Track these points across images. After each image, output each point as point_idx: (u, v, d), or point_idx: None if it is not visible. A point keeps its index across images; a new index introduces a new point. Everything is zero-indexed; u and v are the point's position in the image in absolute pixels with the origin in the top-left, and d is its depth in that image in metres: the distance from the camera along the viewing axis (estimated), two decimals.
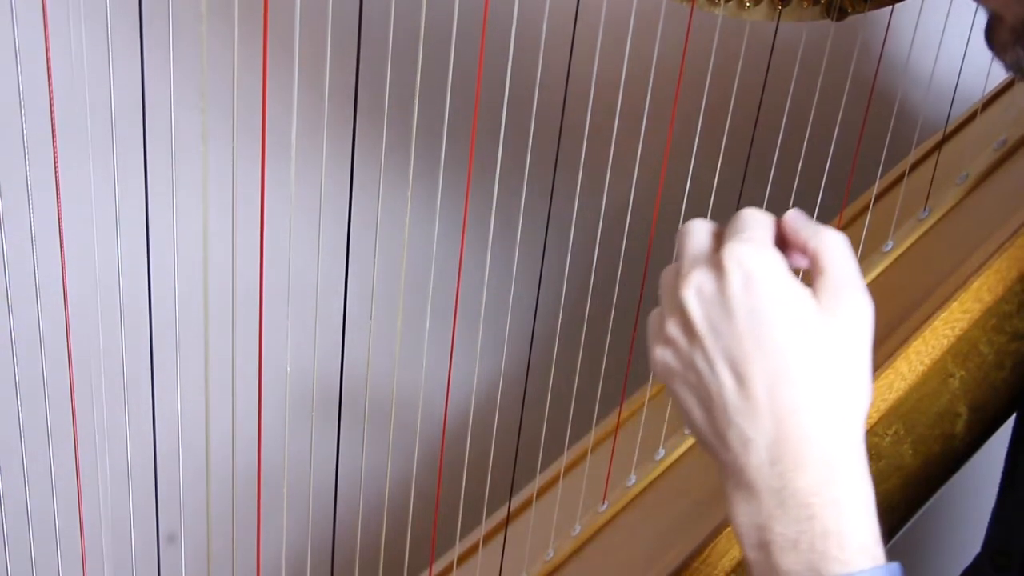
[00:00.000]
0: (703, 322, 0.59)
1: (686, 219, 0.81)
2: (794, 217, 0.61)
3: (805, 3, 0.71)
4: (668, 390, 0.63)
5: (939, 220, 0.90)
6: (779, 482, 0.57)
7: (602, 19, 0.74)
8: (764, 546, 0.58)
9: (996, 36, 0.77)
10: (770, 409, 0.57)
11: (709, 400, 0.59)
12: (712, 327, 0.59)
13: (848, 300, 0.58)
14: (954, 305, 0.78)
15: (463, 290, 0.82)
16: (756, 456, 0.58)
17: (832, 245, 0.59)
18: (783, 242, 0.61)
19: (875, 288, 0.65)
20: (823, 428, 0.57)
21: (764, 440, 0.57)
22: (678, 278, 0.61)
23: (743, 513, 0.59)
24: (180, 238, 0.71)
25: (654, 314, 0.64)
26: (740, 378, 0.58)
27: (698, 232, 0.62)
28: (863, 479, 0.58)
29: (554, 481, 0.92)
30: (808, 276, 0.60)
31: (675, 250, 0.63)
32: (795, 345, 0.57)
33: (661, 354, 0.62)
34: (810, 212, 0.82)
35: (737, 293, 0.58)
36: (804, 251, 0.60)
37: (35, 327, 0.72)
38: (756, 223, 0.60)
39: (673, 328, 0.61)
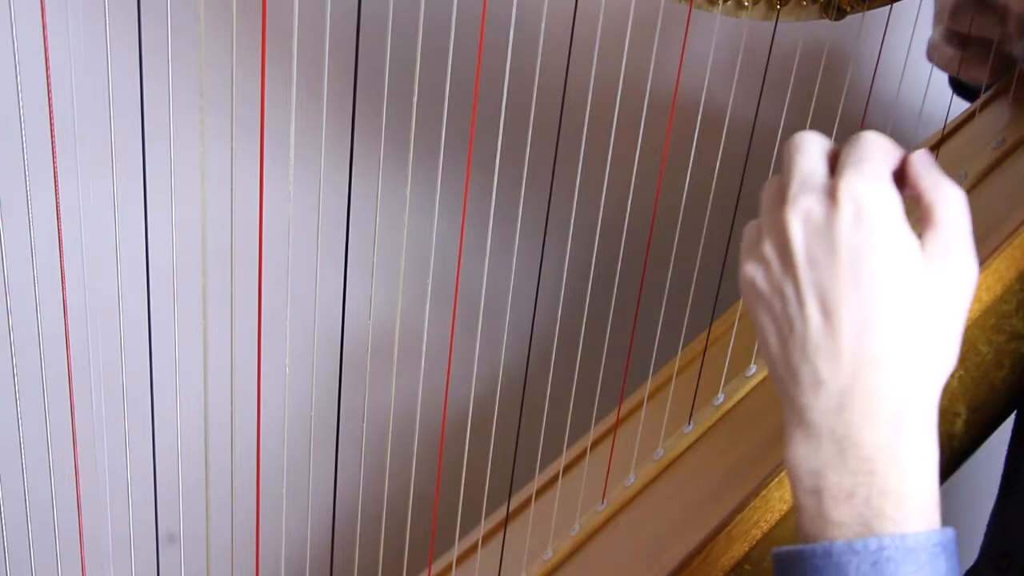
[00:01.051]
0: (802, 251, 0.56)
1: (685, 216, 0.81)
2: (920, 160, 0.58)
3: (804, 2, 0.71)
4: (749, 310, 0.60)
5: None
6: (843, 431, 0.55)
7: (601, 15, 0.74)
8: (816, 492, 0.56)
9: (1005, 29, 0.77)
10: (852, 355, 0.55)
11: (789, 331, 0.57)
12: (811, 259, 0.56)
13: (955, 259, 0.56)
14: None
15: (462, 290, 0.82)
16: (825, 399, 0.56)
17: (951, 201, 0.57)
18: (898, 178, 0.58)
19: None
20: (902, 385, 0.55)
21: (837, 385, 0.55)
22: (784, 198, 0.58)
23: (800, 455, 0.57)
24: (179, 238, 0.71)
25: (752, 226, 0.61)
26: (828, 317, 0.55)
27: (811, 149, 0.59)
28: (930, 442, 0.56)
29: (553, 480, 0.92)
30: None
31: (781, 160, 0.59)
32: (893, 295, 0.55)
33: (752, 272, 0.59)
34: None
35: (846, 229, 0.55)
36: (920, 199, 0.57)
37: (34, 324, 0.72)
38: (879, 155, 0.57)
39: (769, 249, 0.58)
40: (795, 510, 0.58)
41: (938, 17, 0.86)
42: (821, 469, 0.56)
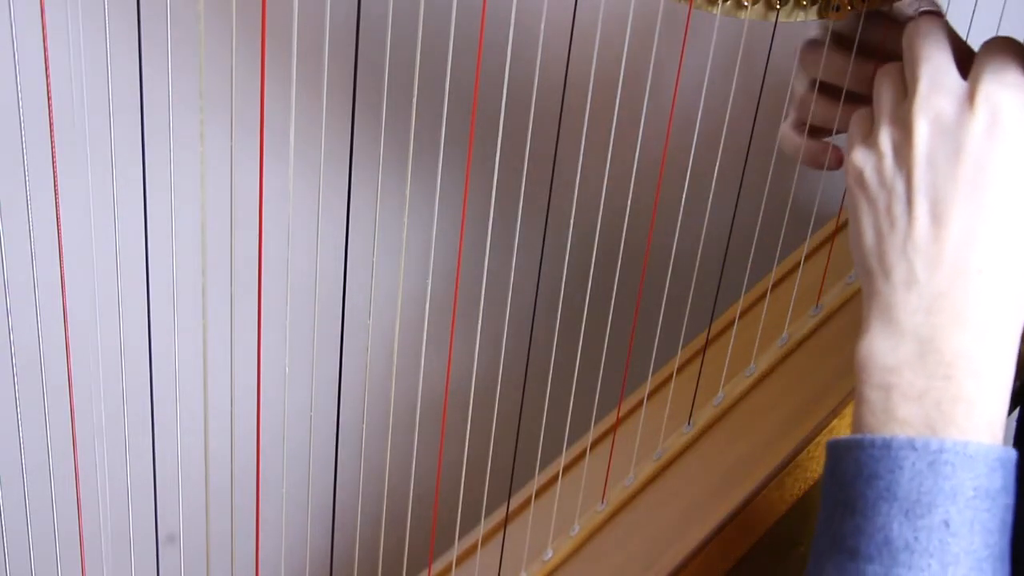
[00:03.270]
0: (924, 151, 0.55)
1: (685, 214, 0.81)
2: None
3: (803, 2, 0.71)
4: (847, 195, 0.59)
5: None
6: (928, 333, 0.55)
7: (600, 15, 0.74)
8: (886, 388, 0.55)
9: None
10: (954, 262, 0.54)
11: (890, 228, 0.56)
12: (931, 160, 0.55)
13: None
14: None
15: (462, 290, 0.82)
16: (916, 299, 0.55)
17: None
18: None
19: None
20: (997, 298, 0.54)
21: (931, 289, 0.55)
22: (911, 91, 0.56)
23: (876, 349, 0.56)
24: (178, 237, 0.71)
25: (863, 113, 0.60)
26: (937, 222, 0.54)
27: (941, 43, 0.57)
28: (1010, 361, 0.55)
29: (553, 480, 0.92)
30: None
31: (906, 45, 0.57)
32: (1008, 209, 0.54)
33: (861, 160, 0.58)
34: (809, 207, 0.83)
35: (976, 137, 0.54)
36: None
37: (34, 326, 0.72)
38: (1020, 63, 0.56)
39: (886, 140, 0.57)
40: (856, 402, 0.57)
41: (790, 103, 0.79)
42: (898, 367, 0.55)
